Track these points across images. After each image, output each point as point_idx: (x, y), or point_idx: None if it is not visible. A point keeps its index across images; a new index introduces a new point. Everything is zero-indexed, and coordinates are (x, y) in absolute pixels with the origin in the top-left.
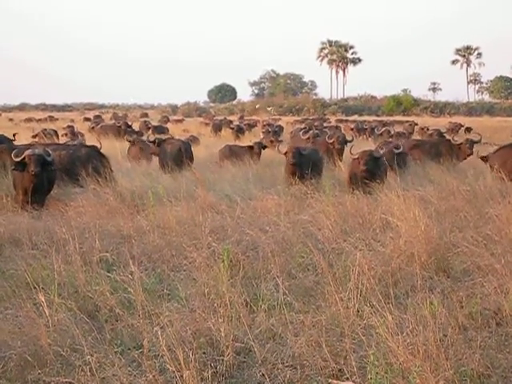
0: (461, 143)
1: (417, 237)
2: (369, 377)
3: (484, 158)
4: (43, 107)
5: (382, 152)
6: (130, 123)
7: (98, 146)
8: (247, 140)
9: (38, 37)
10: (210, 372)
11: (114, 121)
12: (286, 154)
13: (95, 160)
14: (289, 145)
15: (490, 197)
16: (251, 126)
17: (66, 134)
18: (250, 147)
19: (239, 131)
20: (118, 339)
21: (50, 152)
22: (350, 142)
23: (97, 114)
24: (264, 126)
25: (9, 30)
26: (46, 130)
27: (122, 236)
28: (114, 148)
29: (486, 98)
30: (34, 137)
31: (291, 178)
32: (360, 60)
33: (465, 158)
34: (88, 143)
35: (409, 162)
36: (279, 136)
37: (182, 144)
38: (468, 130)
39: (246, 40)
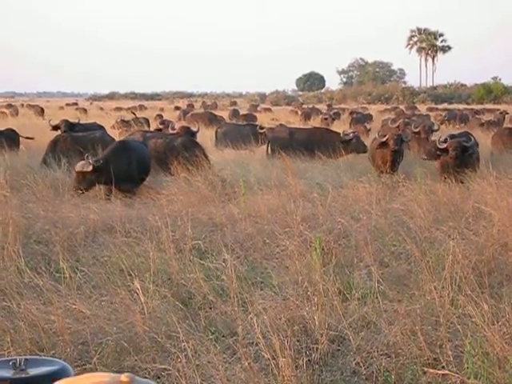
0: None
1: (510, 225)
2: (465, 366)
3: None
4: (132, 96)
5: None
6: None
7: (195, 130)
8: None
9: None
10: (304, 360)
11: (203, 109)
12: None
13: (191, 149)
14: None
15: None
16: (339, 114)
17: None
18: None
19: (331, 120)
20: (213, 326)
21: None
22: (437, 130)
23: (187, 103)
24: (351, 114)
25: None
26: (138, 118)
27: (214, 224)
28: (204, 136)
29: None
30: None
31: None
32: (450, 48)
33: None
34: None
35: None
36: (368, 124)
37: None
38: None
39: (335, 28)
